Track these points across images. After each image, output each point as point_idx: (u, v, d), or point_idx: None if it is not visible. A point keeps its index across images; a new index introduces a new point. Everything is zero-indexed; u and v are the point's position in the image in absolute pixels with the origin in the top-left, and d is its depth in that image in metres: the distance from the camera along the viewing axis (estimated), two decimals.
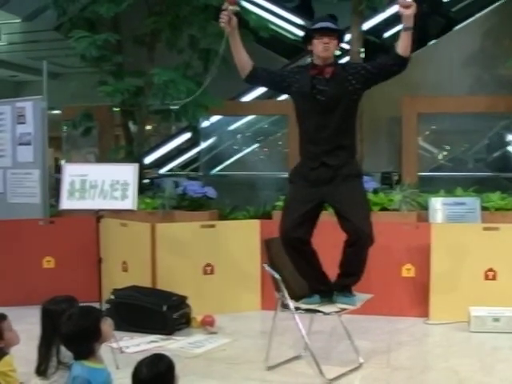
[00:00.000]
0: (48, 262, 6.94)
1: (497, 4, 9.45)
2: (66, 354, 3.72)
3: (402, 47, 4.53)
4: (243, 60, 4.80)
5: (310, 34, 4.69)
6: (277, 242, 5.02)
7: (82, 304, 3.68)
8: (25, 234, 6.92)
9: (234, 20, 4.68)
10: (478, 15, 9.49)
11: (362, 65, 4.94)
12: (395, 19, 9.66)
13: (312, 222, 4.81)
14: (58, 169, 9.83)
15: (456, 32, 9.51)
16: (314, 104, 4.65)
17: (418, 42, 9.64)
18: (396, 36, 4.73)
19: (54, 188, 8.07)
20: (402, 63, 4.59)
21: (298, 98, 4.80)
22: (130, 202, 5.76)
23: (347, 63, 5.10)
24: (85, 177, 5.85)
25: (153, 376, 2.95)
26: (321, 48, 4.63)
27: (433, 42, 9.79)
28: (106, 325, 3.31)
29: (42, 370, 3.80)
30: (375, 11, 9.10)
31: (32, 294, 6.40)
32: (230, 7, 4.61)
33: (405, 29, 4.49)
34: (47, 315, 3.83)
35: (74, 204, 5.84)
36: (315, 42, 4.66)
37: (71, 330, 3.23)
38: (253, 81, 4.97)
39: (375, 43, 9.61)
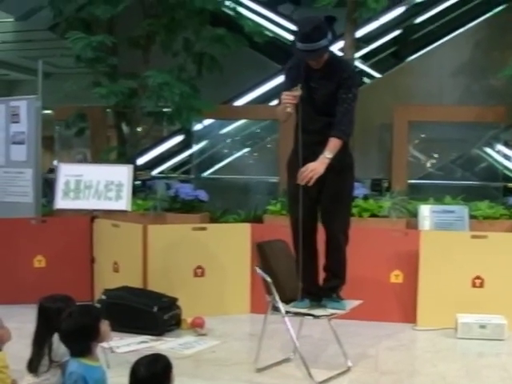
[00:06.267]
0: (39, 262, 6.93)
1: (486, 16, 9.56)
2: (57, 352, 3.77)
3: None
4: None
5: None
6: (268, 246, 5.09)
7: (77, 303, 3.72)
8: (16, 233, 6.92)
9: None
10: (468, 26, 9.59)
11: (347, 84, 4.73)
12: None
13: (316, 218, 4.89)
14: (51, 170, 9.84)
15: (447, 43, 9.59)
16: (307, 98, 4.69)
17: None
18: None
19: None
20: None
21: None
22: (124, 203, 5.78)
23: (345, 64, 5.09)
24: (80, 177, 5.87)
25: (150, 376, 3.00)
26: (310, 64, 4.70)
27: (424, 51, 9.88)
28: (105, 325, 3.36)
29: (33, 367, 3.84)
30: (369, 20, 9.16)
31: (23, 293, 6.46)
32: (297, 93, 4.61)
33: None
34: (43, 313, 3.87)
35: (68, 204, 5.86)
36: None
37: (71, 327, 3.27)
38: None
39: None
